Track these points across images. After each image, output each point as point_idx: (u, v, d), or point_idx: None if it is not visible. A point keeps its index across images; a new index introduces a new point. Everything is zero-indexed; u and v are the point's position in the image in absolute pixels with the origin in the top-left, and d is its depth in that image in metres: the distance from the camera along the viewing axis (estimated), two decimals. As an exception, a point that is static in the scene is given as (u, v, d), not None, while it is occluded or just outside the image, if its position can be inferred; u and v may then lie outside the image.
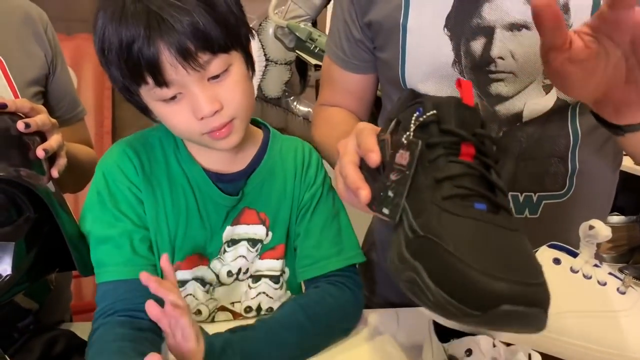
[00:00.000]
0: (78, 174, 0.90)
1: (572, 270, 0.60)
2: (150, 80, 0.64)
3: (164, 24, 0.61)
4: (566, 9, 0.74)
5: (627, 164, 1.51)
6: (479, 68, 0.78)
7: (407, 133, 0.53)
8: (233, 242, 0.80)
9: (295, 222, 0.82)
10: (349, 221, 0.84)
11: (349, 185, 0.58)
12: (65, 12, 2.53)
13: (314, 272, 0.80)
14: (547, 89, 0.78)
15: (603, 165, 0.85)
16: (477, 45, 0.77)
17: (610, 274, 0.61)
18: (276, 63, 2.32)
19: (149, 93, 0.67)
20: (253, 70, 0.73)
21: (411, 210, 0.51)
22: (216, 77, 0.67)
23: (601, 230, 0.58)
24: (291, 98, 2.51)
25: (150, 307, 0.60)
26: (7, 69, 0.86)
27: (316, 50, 1.76)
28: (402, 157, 0.53)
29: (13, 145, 0.69)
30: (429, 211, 0.49)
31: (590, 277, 0.60)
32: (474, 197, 0.49)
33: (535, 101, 0.78)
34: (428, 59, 0.80)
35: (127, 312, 0.69)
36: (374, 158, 0.56)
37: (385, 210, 0.53)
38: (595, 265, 0.61)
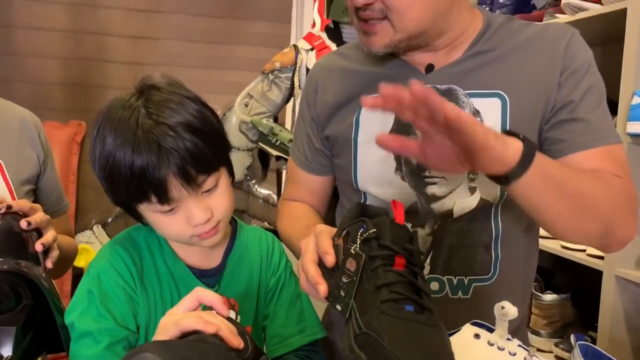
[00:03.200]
0: (62, 263, 0.99)
1: (489, 344, 0.73)
2: (154, 199, 0.75)
3: (170, 154, 0.73)
4: (477, 112, 0.91)
5: (554, 246, 1.70)
6: (416, 174, 0.93)
7: (355, 245, 0.68)
8: None
9: (264, 304, 0.92)
10: (309, 300, 0.94)
11: (309, 280, 0.72)
12: (35, 101, 2.65)
13: (283, 350, 0.89)
14: (472, 191, 0.93)
15: (521, 254, 0.99)
16: None
17: (519, 346, 0.74)
18: (238, 149, 2.48)
19: (149, 207, 0.77)
20: (233, 177, 0.85)
21: (357, 309, 0.65)
22: (207, 190, 0.79)
23: (510, 309, 0.72)
24: (252, 182, 2.65)
25: None
26: (4, 170, 0.98)
27: (277, 144, 1.93)
28: (351, 264, 0.68)
29: (15, 240, 0.80)
30: (370, 312, 0.63)
31: (503, 349, 0.73)
32: (404, 301, 0.64)
33: (463, 200, 0.93)
34: (375, 167, 0.96)
35: None
36: (330, 260, 0.71)
37: (338, 307, 0.68)
38: (508, 339, 0.74)
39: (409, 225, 0.94)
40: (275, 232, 1.40)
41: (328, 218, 1.13)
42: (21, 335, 0.76)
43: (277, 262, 0.94)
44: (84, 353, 0.77)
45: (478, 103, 0.91)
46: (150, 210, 0.78)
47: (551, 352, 1.75)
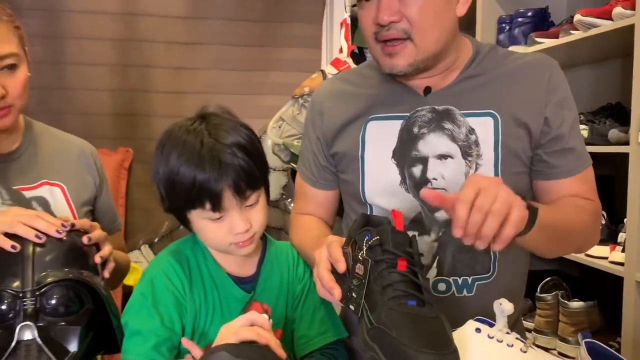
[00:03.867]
0: (117, 275, 1.13)
1: (489, 337, 0.82)
2: (209, 207, 0.88)
3: (228, 169, 0.86)
4: (477, 143, 1.01)
5: (578, 254, 1.75)
6: (419, 186, 1.03)
7: (361, 252, 0.80)
8: None
9: (291, 309, 1.03)
10: (332, 305, 1.05)
11: (324, 286, 0.84)
12: (87, 130, 2.80)
13: (309, 348, 1.00)
14: None
15: (514, 252, 1.07)
16: (416, 170, 1.03)
17: (517, 338, 0.82)
18: (274, 170, 2.61)
19: (201, 214, 0.90)
20: (269, 197, 0.97)
21: (368, 307, 0.77)
22: (250, 205, 0.91)
23: (506, 305, 0.81)
24: (288, 200, 2.77)
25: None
26: (67, 193, 1.13)
27: (308, 163, 2.05)
28: (359, 269, 0.80)
29: (79, 254, 0.94)
30: (379, 308, 0.75)
31: (502, 341, 0.81)
32: (407, 297, 0.75)
33: None
34: (381, 181, 1.06)
35: None
36: (341, 267, 0.83)
37: (351, 307, 0.80)
38: (507, 333, 0.83)
39: (415, 233, 1.05)
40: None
41: (335, 228, 1.23)
42: (84, 334, 0.89)
43: (302, 272, 1.05)
44: (133, 349, 0.89)
45: (473, 122, 1.02)
46: (199, 217, 0.91)
47: (579, 358, 1.79)
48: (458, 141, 1.02)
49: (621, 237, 1.66)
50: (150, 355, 0.88)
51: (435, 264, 1.04)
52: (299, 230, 1.17)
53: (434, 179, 1.03)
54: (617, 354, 0.94)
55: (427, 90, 1.05)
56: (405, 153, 1.04)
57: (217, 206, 0.88)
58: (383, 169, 1.06)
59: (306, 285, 1.04)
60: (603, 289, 1.97)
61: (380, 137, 1.06)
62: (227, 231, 0.91)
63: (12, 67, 1.01)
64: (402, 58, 0.99)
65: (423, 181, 1.03)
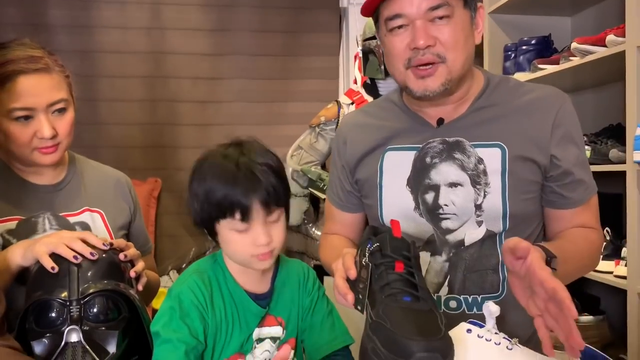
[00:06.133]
0: (148, 290, 1.25)
1: (478, 336, 0.91)
2: (238, 216, 0.97)
3: (259, 184, 0.96)
4: (485, 172, 1.10)
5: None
6: (431, 211, 1.12)
7: (364, 258, 0.90)
8: (260, 340, 1.09)
9: (302, 320, 1.13)
10: (339, 315, 1.15)
11: (339, 293, 0.93)
12: (119, 162, 2.90)
13: (319, 355, 1.09)
14: (479, 224, 1.11)
15: None
16: (429, 197, 1.12)
17: (504, 337, 0.91)
18: (296, 196, 2.73)
19: (229, 224, 0.98)
20: (288, 220, 1.06)
21: (370, 304, 0.86)
22: (272, 221, 1.01)
23: (492, 307, 0.90)
24: (310, 225, 2.87)
25: None
26: (105, 218, 1.27)
27: (325, 188, 2.17)
28: (364, 273, 0.90)
29: (116, 269, 1.07)
30: (377, 305, 0.84)
31: (490, 340, 0.91)
32: (402, 293, 0.85)
33: (472, 231, 1.11)
34: (397, 206, 1.15)
35: None
36: (352, 274, 0.92)
37: (358, 307, 0.89)
38: (495, 333, 0.92)
39: (428, 253, 1.14)
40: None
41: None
42: (122, 338, 1.01)
43: (311, 287, 1.15)
44: (165, 356, 0.99)
45: (482, 152, 1.11)
46: (228, 228, 1.00)
47: (591, 371, 1.84)
48: (467, 170, 1.10)
49: (624, 252, 1.72)
50: None
51: (446, 283, 1.12)
52: (327, 249, 1.28)
53: (445, 205, 1.11)
54: (606, 356, 1.02)
55: (440, 121, 1.14)
56: (419, 181, 1.13)
57: (245, 217, 0.98)
58: (398, 195, 1.15)
59: (314, 298, 1.14)
60: (616, 304, 2.02)
61: (396, 166, 1.16)
62: (251, 243, 1.00)
63: (62, 111, 1.16)
64: (436, 79, 1.06)
65: (435, 207, 1.12)
